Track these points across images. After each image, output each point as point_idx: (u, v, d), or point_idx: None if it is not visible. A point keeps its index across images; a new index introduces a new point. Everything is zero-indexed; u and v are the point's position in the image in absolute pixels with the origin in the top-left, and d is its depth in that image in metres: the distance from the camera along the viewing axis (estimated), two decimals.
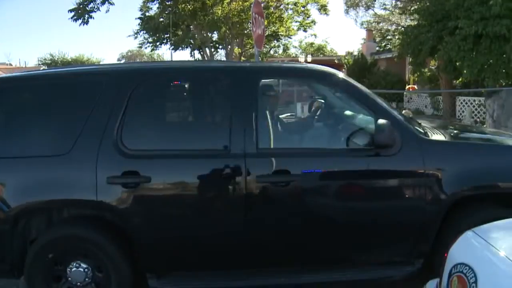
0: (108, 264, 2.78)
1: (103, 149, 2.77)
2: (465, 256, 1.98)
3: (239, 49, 20.99)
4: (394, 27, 20.24)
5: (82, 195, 2.77)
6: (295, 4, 20.68)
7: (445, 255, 2.11)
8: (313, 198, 2.88)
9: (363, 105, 3.02)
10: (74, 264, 2.80)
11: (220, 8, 16.70)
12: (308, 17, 22.34)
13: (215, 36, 21.21)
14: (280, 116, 4.05)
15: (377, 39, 23.54)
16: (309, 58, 24.52)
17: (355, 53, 24.20)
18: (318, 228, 2.83)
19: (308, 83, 3.90)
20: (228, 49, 20.33)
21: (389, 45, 20.93)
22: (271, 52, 26.97)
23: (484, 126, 9.25)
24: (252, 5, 7.00)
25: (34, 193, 2.78)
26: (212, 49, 21.38)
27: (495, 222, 2.29)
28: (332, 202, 2.88)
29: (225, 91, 3.11)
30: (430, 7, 10.55)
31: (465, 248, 2.09)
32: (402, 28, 14.40)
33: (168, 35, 20.97)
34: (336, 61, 22.40)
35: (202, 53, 21.35)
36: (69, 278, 2.81)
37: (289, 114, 4.65)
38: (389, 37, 21.41)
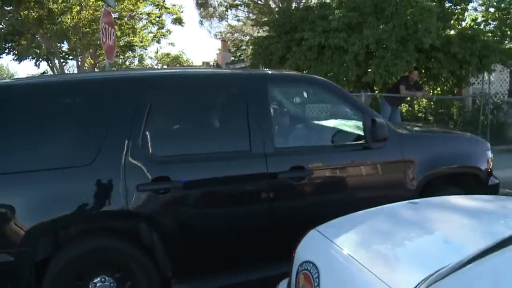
0: (137, 274, 2.71)
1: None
2: (309, 254, 2.11)
3: (92, 60, 19.96)
4: (248, 37, 21.13)
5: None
6: (148, 14, 20.36)
7: (293, 254, 2.23)
8: (319, 184, 3.37)
9: (352, 106, 3.64)
10: (99, 278, 2.73)
11: (69, 17, 15.70)
12: (162, 27, 22.18)
13: (64, 46, 19.86)
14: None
15: (232, 49, 24.29)
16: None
17: (211, 63, 24.71)
18: (332, 207, 2.95)
19: (313, 89, 4.17)
20: (79, 60, 19.21)
21: (243, 55, 21.76)
22: (127, 63, 26.15)
23: None
24: (101, 15, 6.73)
25: (60, 206, 2.71)
26: (62, 60, 19.96)
27: (336, 220, 2.51)
28: (339, 187, 3.41)
29: (239, 97, 3.31)
30: (279, 19, 11.33)
31: (309, 246, 2.22)
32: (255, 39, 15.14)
33: (10, 44, 19.05)
34: None
35: (50, 64, 19.83)
36: None
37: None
38: (243, 47, 22.26)
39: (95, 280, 2.72)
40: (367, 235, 2.34)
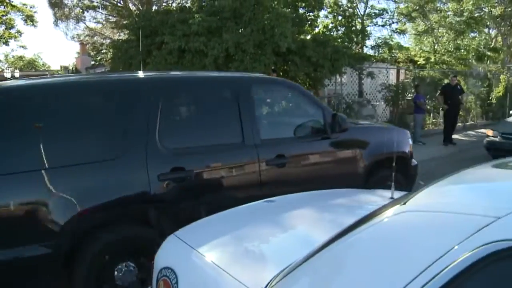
0: None
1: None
2: (167, 259, 2.13)
3: None
4: (108, 41, 20.26)
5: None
6: None
7: (152, 261, 2.22)
8: (298, 166, 4.16)
9: (314, 105, 4.47)
10: (124, 264, 3.01)
11: None
12: (11, 28, 20.24)
13: None
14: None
15: (92, 53, 23.10)
16: (17, 73, 22.23)
17: (70, 67, 23.23)
18: (306, 180, 4.07)
19: (286, 90, 4.74)
20: None
21: (104, 59, 20.85)
22: None
23: None
24: None
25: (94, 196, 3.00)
26: None
27: (194, 223, 2.54)
28: (309, 167, 4.25)
29: (229, 95, 3.99)
30: (139, 22, 10.99)
31: (167, 252, 2.25)
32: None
33: None
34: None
35: None
36: (117, 279, 2.98)
37: None
38: (103, 51, 21.29)
39: (120, 266, 3.02)
40: (224, 237, 2.39)
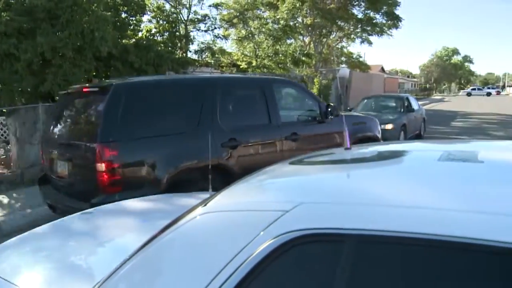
0: None
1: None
2: None
3: None
4: None
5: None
6: None
7: None
8: (305, 140, 6.06)
9: (313, 99, 6.66)
10: None
11: None
12: None
13: None
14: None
15: None
16: None
17: None
18: (310, 149, 5.62)
19: (293, 88, 6.87)
20: None
21: None
22: None
23: (9, 145, 9.38)
24: None
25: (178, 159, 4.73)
26: None
27: (2, 244, 2.45)
28: (312, 141, 6.13)
29: (260, 91, 5.80)
30: None
31: None
32: None
33: None
34: None
35: None
36: None
37: None
38: None
39: None
40: (33, 256, 2.33)
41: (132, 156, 4.50)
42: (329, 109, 6.30)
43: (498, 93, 79.61)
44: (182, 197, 3.31)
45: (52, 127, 5.42)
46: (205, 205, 1.82)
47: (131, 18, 11.68)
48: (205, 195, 2.70)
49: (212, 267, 1.41)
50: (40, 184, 5.46)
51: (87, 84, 6.10)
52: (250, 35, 20.16)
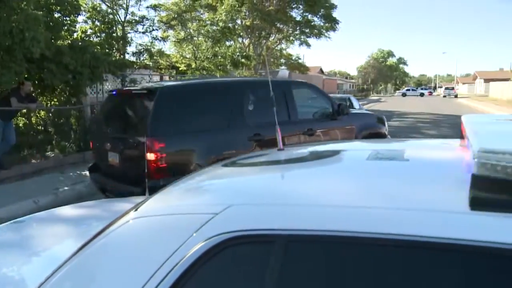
0: None
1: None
2: None
3: None
4: None
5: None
6: None
7: None
8: (320, 134, 6.87)
9: (326, 98, 7.55)
10: None
11: None
12: None
13: None
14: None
15: None
16: None
17: None
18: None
19: (310, 90, 7.76)
20: None
21: None
22: None
23: None
24: None
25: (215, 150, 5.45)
26: None
27: None
28: (325, 136, 6.94)
29: (281, 92, 6.56)
30: None
31: None
32: None
33: None
34: None
35: None
36: None
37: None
38: None
39: None
40: None
41: (176, 148, 5.35)
42: (340, 108, 7.35)
43: (430, 93, 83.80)
44: (117, 202, 3.26)
45: (102, 123, 6.39)
46: (136, 209, 1.82)
47: (65, 18, 11.30)
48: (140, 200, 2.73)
49: (145, 271, 1.41)
50: (90, 171, 6.59)
51: (133, 87, 6.84)
52: (189, 37, 20.09)
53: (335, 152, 2.42)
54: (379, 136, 7.88)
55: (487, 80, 73.11)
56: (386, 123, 8.50)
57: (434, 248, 1.21)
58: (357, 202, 1.44)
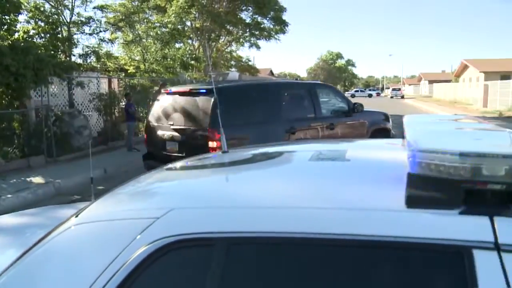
0: None
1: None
2: None
3: None
4: None
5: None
6: None
7: None
8: (339, 128, 8.41)
9: (341, 97, 9.36)
10: None
11: None
12: None
13: None
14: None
15: None
16: None
17: None
18: (342, 136, 8.41)
19: (329, 90, 9.61)
20: None
21: None
22: None
23: None
24: None
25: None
26: None
27: None
28: (342, 130, 8.43)
29: (306, 94, 8.41)
30: None
31: None
32: None
33: None
34: None
35: None
36: None
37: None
38: None
39: None
40: None
41: (231, 137, 6.50)
42: (355, 107, 8.88)
43: (378, 94, 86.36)
44: (61, 208, 3.18)
45: (159, 117, 7.66)
46: (77, 216, 1.79)
47: (4, 17, 10.89)
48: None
49: (86, 278, 1.40)
50: (145, 159, 8.03)
51: (191, 86, 8.18)
52: (137, 39, 19.82)
53: (279, 154, 2.45)
54: (385, 130, 9.55)
55: (431, 82, 76.15)
56: (390, 120, 9.94)
57: (372, 246, 1.25)
58: (297, 203, 1.47)
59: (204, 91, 6.90)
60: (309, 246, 1.31)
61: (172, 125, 7.21)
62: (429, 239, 1.21)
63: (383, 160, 2.01)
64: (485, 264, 1.15)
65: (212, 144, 6.36)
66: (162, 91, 8.44)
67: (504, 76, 38.93)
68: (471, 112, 30.34)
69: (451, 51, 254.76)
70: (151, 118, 7.97)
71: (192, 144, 6.80)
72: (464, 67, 51.07)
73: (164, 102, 7.71)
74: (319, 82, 10.77)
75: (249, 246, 1.37)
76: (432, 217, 1.26)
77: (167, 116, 7.45)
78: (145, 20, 21.51)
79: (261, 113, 7.21)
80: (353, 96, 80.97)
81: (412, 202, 1.30)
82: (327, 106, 8.86)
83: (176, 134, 7.11)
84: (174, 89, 7.83)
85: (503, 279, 1.12)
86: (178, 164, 2.47)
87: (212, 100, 6.49)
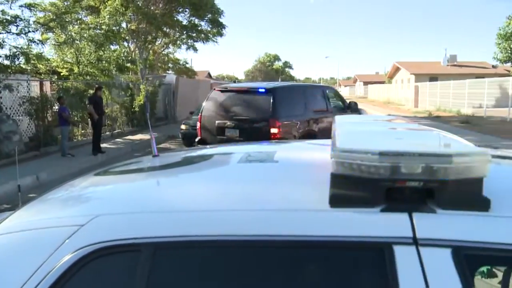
0: None
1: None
2: None
3: None
4: None
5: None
6: None
7: None
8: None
9: (340, 98, 12.94)
10: None
11: None
12: None
13: None
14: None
15: None
16: None
17: None
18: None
19: (331, 91, 12.71)
20: None
21: None
22: None
23: None
24: None
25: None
26: None
27: None
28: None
29: (321, 93, 11.55)
30: None
31: None
32: None
33: None
34: None
35: None
36: None
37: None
38: None
39: None
40: None
41: (285, 125, 8.97)
42: (350, 105, 12.21)
43: None
44: None
45: (215, 109, 9.71)
46: None
47: None
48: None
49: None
50: (199, 144, 9.55)
51: (250, 85, 11.09)
52: (70, 40, 19.23)
53: (208, 157, 2.48)
54: None
55: (366, 83, 79.19)
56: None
57: (294, 247, 1.29)
58: (223, 206, 1.50)
59: (263, 89, 9.28)
60: (231, 248, 1.34)
61: (234, 115, 9.29)
62: (351, 237, 1.26)
63: (310, 160, 2.06)
64: (405, 259, 1.21)
65: (273, 130, 8.62)
66: (216, 89, 10.28)
67: (432, 78, 41.34)
68: (403, 112, 31.93)
69: (384, 54, 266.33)
70: (206, 110, 9.89)
71: (253, 130, 8.91)
72: (396, 69, 53.60)
73: (219, 98, 9.83)
74: (328, 85, 14.73)
75: (175, 250, 1.38)
76: (355, 216, 1.31)
77: (225, 108, 9.55)
78: (78, 21, 20.91)
79: (300, 108, 9.76)
80: None
81: (335, 201, 1.34)
82: (332, 103, 11.73)
83: (237, 123, 9.18)
84: (230, 87, 10.26)
85: (420, 272, 1.19)
86: (106, 169, 2.44)
87: (272, 97, 8.95)
